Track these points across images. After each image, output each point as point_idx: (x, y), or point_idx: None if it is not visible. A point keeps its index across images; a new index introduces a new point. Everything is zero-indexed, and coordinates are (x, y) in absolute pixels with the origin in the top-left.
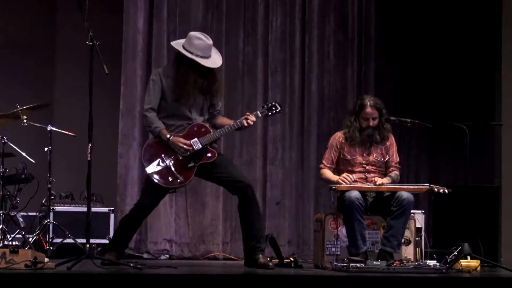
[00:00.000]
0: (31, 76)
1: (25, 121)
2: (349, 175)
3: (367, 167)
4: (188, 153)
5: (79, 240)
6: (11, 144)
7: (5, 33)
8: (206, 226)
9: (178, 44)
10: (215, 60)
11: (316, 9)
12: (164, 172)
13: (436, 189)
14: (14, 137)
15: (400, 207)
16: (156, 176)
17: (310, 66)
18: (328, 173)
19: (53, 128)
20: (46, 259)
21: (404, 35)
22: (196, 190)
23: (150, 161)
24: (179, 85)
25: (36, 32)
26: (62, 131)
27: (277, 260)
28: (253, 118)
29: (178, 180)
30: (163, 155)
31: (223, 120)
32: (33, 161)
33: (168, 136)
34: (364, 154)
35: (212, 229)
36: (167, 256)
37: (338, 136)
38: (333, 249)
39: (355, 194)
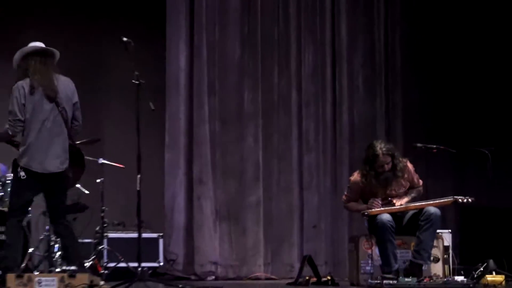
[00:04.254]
0: (82, 114)
1: None
2: (376, 199)
3: (391, 200)
4: None
5: (131, 264)
6: None
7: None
8: (248, 249)
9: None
10: None
11: (345, 45)
12: None
13: (460, 200)
14: None
15: (428, 221)
16: None
17: (341, 98)
18: (354, 205)
19: (104, 161)
20: (102, 282)
21: (428, 65)
22: (238, 216)
23: None
24: None
25: (86, 73)
26: (113, 164)
27: (315, 279)
28: None
29: None
30: None
31: None
32: (87, 192)
33: None
34: (387, 192)
35: (254, 252)
36: (213, 277)
37: (358, 180)
38: (367, 268)
39: (386, 217)
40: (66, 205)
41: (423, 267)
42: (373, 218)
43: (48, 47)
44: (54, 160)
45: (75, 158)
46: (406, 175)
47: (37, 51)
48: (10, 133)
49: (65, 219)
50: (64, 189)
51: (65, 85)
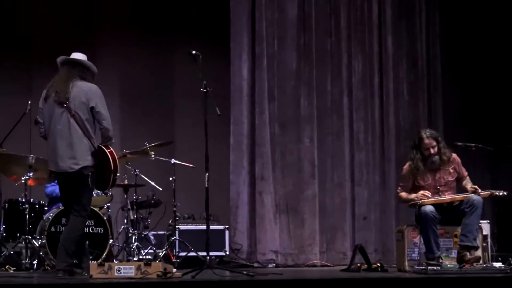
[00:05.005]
0: (156, 119)
1: (153, 156)
2: (426, 191)
3: (440, 188)
4: None
5: (200, 253)
6: (142, 176)
7: (135, 85)
8: (305, 238)
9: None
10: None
11: (390, 55)
12: None
13: (496, 193)
14: (144, 169)
15: (472, 206)
16: None
17: (387, 103)
18: (405, 195)
19: (176, 161)
20: (174, 270)
21: (465, 72)
22: (296, 209)
23: None
24: None
25: (159, 83)
26: (183, 163)
27: (366, 265)
28: None
29: None
30: None
31: None
32: (161, 189)
33: None
34: (436, 178)
35: (311, 241)
36: (274, 264)
37: (408, 168)
38: (413, 255)
39: (429, 208)
40: (81, 202)
41: (472, 251)
42: (418, 209)
43: (79, 59)
44: (66, 160)
45: (99, 159)
46: (454, 165)
47: (66, 62)
48: (39, 135)
49: (77, 213)
50: (78, 188)
51: (81, 91)
